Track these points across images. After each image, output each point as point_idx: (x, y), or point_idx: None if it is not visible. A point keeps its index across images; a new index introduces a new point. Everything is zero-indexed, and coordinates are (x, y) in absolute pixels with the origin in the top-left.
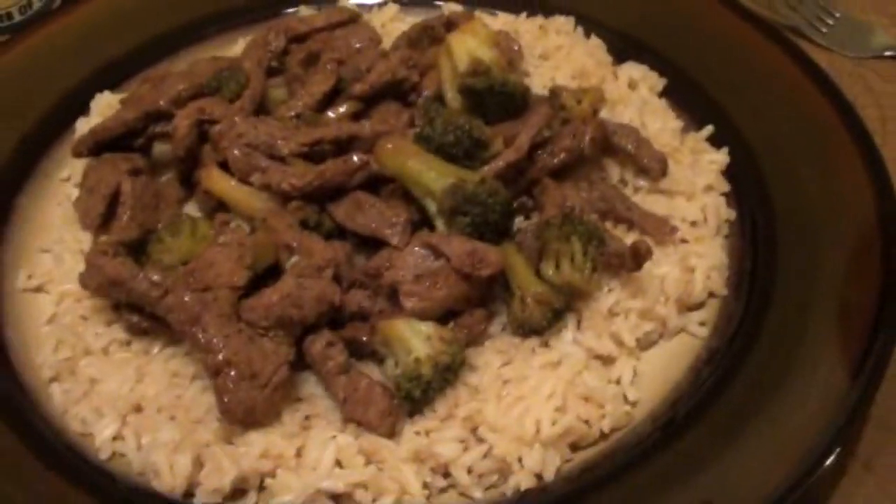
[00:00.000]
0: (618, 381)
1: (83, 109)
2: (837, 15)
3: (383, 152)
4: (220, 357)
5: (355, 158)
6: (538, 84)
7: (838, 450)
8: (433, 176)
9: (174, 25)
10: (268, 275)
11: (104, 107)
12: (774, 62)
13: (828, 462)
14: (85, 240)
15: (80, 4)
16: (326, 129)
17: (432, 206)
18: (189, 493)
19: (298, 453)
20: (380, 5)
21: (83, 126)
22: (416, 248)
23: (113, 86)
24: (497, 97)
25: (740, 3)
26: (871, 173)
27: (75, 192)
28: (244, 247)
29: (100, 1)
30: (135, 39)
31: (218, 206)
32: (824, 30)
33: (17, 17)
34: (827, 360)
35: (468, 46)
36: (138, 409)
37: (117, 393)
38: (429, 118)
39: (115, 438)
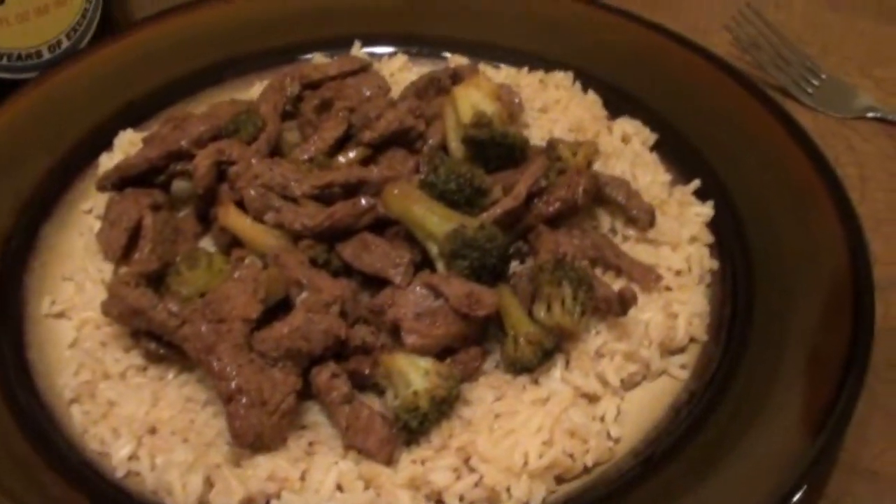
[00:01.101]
0: (602, 419)
1: (107, 145)
2: (823, 77)
3: (389, 197)
4: (233, 385)
5: (363, 201)
6: (537, 135)
7: (805, 488)
8: (435, 220)
9: (195, 68)
10: (279, 308)
11: (127, 144)
12: (760, 121)
13: (794, 499)
14: (106, 269)
15: (106, 46)
16: (337, 172)
17: (434, 249)
18: None
19: (302, 477)
20: (389, 55)
21: (106, 161)
22: (418, 288)
23: (135, 124)
24: (497, 148)
25: (730, 64)
26: (845, 228)
27: (97, 224)
28: (258, 282)
29: (124, 43)
30: (157, 80)
31: (233, 242)
32: (810, 90)
33: (47, 56)
34: (798, 404)
35: (472, 99)
36: (153, 431)
37: (134, 415)
38: (433, 166)
39: (130, 458)
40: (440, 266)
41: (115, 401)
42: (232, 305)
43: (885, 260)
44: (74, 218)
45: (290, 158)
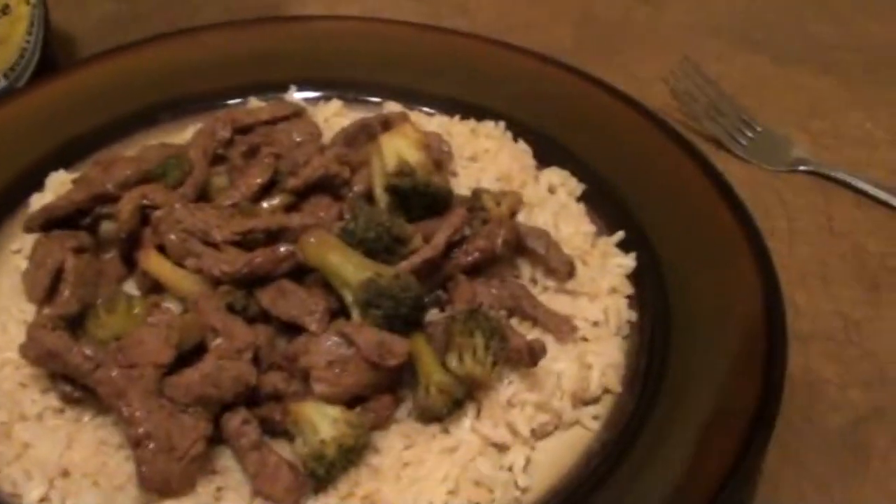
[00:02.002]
0: (510, 468)
1: (38, 186)
2: (759, 129)
3: (306, 245)
4: (141, 430)
5: (282, 249)
6: (465, 184)
7: None
8: (351, 269)
9: (129, 110)
10: (193, 353)
11: (58, 184)
12: (687, 173)
13: None
14: (29, 311)
15: (43, 86)
16: (258, 219)
17: (349, 297)
18: None
19: None
20: (325, 100)
21: (38, 201)
22: (333, 337)
23: (68, 165)
24: (420, 197)
25: (659, 117)
26: (762, 281)
27: (24, 264)
28: (172, 328)
29: (61, 83)
30: (92, 122)
31: (155, 286)
32: (744, 142)
33: None
34: (704, 458)
35: (397, 147)
36: (66, 473)
37: (47, 458)
38: (353, 214)
39: (41, 501)
40: (355, 314)
41: (30, 442)
42: (144, 350)
43: (809, 312)
44: (2, 258)
45: (214, 204)
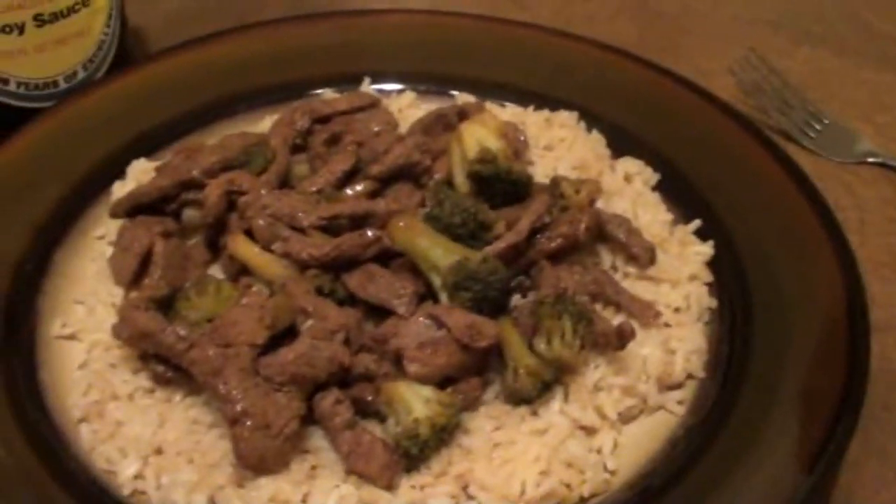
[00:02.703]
0: (599, 451)
1: (120, 174)
2: (826, 122)
3: (395, 229)
4: (239, 407)
5: (369, 233)
6: (541, 173)
7: None
8: (439, 253)
9: (207, 101)
10: (284, 336)
11: (139, 172)
12: (761, 163)
13: None
14: (117, 294)
15: (121, 77)
16: (344, 205)
17: (437, 281)
18: None
19: (304, 499)
20: (398, 92)
21: (119, 189)
22: (421, 319)
23: (148, 153)
24: (502, 184)
25: (733, 107)
26: (843, 270)
27: (108, 250)
28: (265, 309)
29: (139, 75)
30: (170, 112)
31: (241, 271)
32: (812, 135)
33: (63, 85)
34: (791, 443)
35: (478, 136)
36: (159, 451)
37: (140, 436)
38: (438, 199)
39: (136, 477)
40: (443, 297)
41: (123, 421)
42: (239, 331)
43: (883, 302)
44: (87, 244)
45: (299, 190)
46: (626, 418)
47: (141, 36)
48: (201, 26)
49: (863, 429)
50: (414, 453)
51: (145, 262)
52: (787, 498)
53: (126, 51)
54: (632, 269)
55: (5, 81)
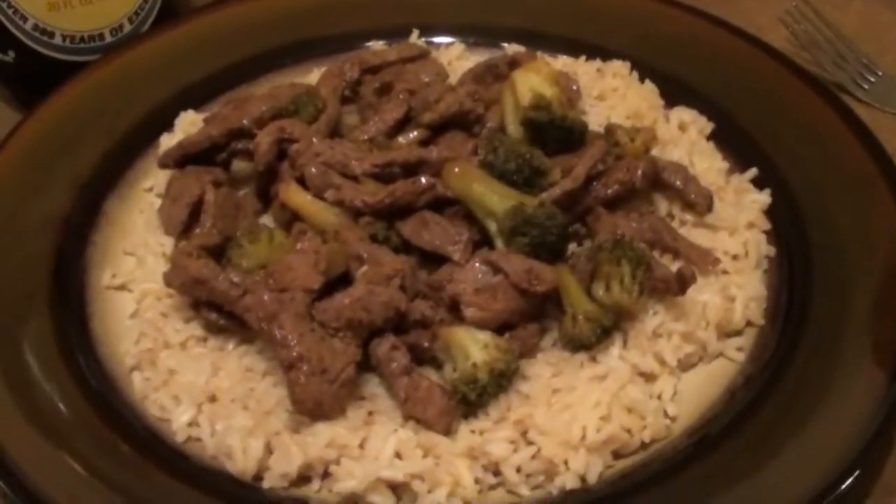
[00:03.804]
0: (659, 397)
1: (167, 126)
2: (880, 73)
3: (450, 175)
4: (295, 353)
5: (423, 180)
6: (594, 122)
7: (858, 472)
8: (495, 199)
9: (254, 53)
10: (338, 282)
11: (187, 124)
12: (817, 112)
13: (846, 484)
14: (166, 244)
15: (167, 30)
16: (397, 152)
17: (493, 227)
18: (258, 477)
19: (361, 445)
20: (447, 45)
21: (167, 141)
22: (477, 265)
23: (196, 105)
24: (556, 131)
25: (787, 56)
26: None
27: (157, 202)
28: (320, 254)
29: (185, 28)
30: (217, 65)
31: (293, 219)
32: (866, 86)
33: (109, 38)
34: (853, 389)
35: (531, 83)
36: (213, 398)
37: (194, 383)
38: (492, 147)
39: (190, 424)
40: (499, 243)
41: (176, 369)
42: (294, 276)
43: None
44: (135, 195)
45: (351, 138)
46: (685, 365)
47: None
48: None
49: None
50: (472, 399)
51: (195, 212)
52: (852, 446)
53: (171, 4)
54: (689, 217)
55: (51, 35)
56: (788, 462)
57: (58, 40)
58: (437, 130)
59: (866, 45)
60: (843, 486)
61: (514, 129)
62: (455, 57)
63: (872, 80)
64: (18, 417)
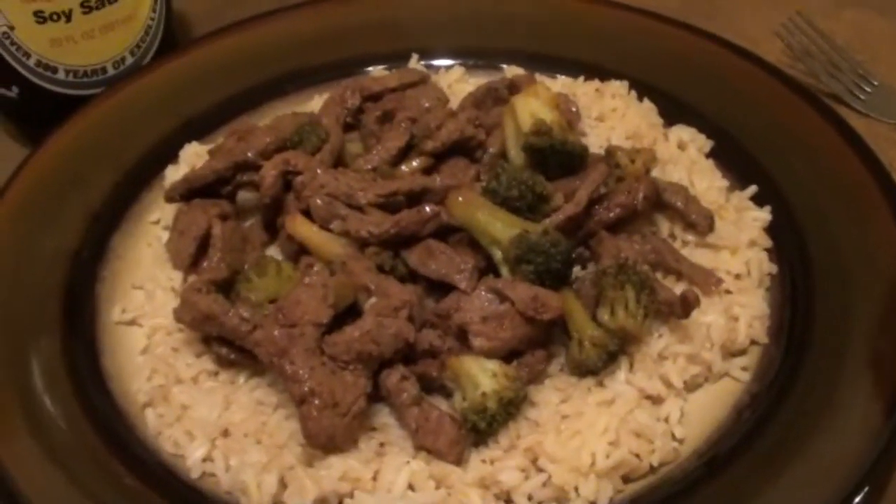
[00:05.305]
0: (666, 420)
1: (172, 158)
2: (875, 83)
3: (454, 204)
4: (306, 387)
5: (428, 209)
6: (594, 143)
7: (867, 489)
8: (499, 226)
9: (255, 82)
10: (346, 314)
11: (192, 156)
12: (814, 127)
13: (857, 500)
14: (175, 278)
15: (169, 62)
16: (401, 181)
17: (498, 254)
18: None
19: (374, 477)
20: (447, 68)
21: (172, 173)
22: (483, 293)
23: (199, 137)
24: (558, 155)
25: (783, 71)
26: None
27: (165, 234)
28: (328, 287)
29: (186, 59)
30: (219, 95)
31: (299, 251)
32: (863, 97)
33: (111, 71)
34: (859, 405)
35: (531, 108)
36: (226, 433)
37: (207, 418)
38: (495, 173)
39: (205, 460)
40: (504, 271)
41: (188, 404)
42: (303, 310)
43: None
44: (142, 229)
45: (354, 168)
46: (691, 386)
47: (185, 20)
48: (243, 8)
49: None
50: (482, 427)
51: (203, 245)
52: (859, 463)
53: (172, 35)
54: (690, 237)
55: (54, 70)
56: (797, 480)
57: (61, 75)
58: (439, 157)
59: (860, 54)
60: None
61: (515, 154)
62: (455, 80)
63: (868, 90)
64: (34, 455)
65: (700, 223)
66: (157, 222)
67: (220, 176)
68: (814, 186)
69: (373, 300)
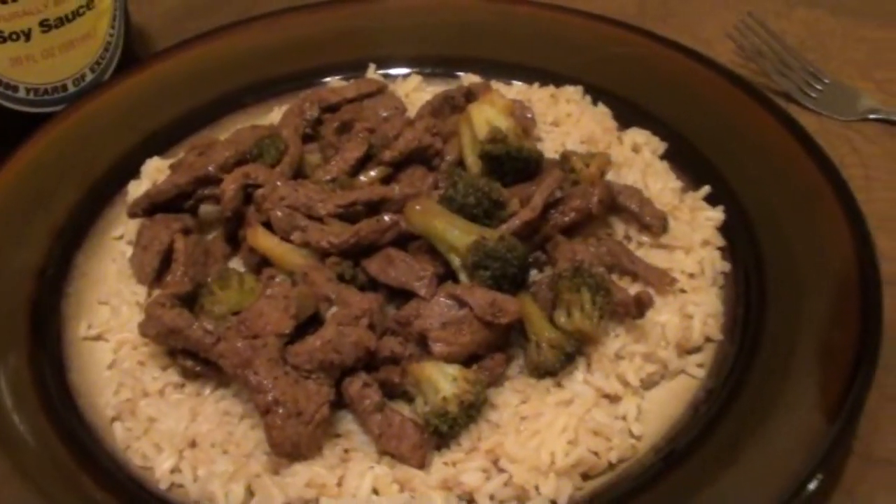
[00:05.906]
0: (624, 418)
1: (134, 173)
2: (826, 81)
3: (412, 213)
4: (270, 397)
5: (386, 218)
6: (550, 149)
7: (821, 476)
8: (457, 234)
9: (215, 96)
10: (309, 324)
11: (154, 171)
12: (765, 127)
13: (809, 488)
14: (139, 292)
15: (129, 77)
16: (360, 191)
17: (456, 261)
18: None
19: (339, 483)
20: (404, 76)
21: (135, 189)
22: (442, 299)
23: (161, 151)
24: (513, 162)
25: (734, 73)
26: (852, 228)
27: (128, 250)
28: (289, 298)
29: (146, 74)
30: (179, 109)
31: (261, 262)
32: (814, 95)
33: (72, 89)
34: (811, 397)
35: (487, 115)
36: (193, 444)
37: (174, 430)
38: (452, 181)
39: (173, 471)
40: (463, 277)
41: (156, 417)
42: (265, 321)
43: (891, 256)
44: (106, 244)
45: (314, 179)
46: (648, 384)
47: (143, 34)
48: (202, 22)
49: (878, 382)
50: (444, 431)
51: (166, 259)
52: (812, 451)
53: (132, 50)
54: (645, 238)
55: (14, 89)
56: (752, 470)
57: (22, 94)
58: (397, 166)
59: (812, 52)
60: (807, 491)
61: (472, 161)
62: (412, 89)
63: (819, 87)
64: (3, 471)
65: (654, 224)
66: (121, 238)
67: (182, 191)
68: (766, 185)
69: (334, 309)
